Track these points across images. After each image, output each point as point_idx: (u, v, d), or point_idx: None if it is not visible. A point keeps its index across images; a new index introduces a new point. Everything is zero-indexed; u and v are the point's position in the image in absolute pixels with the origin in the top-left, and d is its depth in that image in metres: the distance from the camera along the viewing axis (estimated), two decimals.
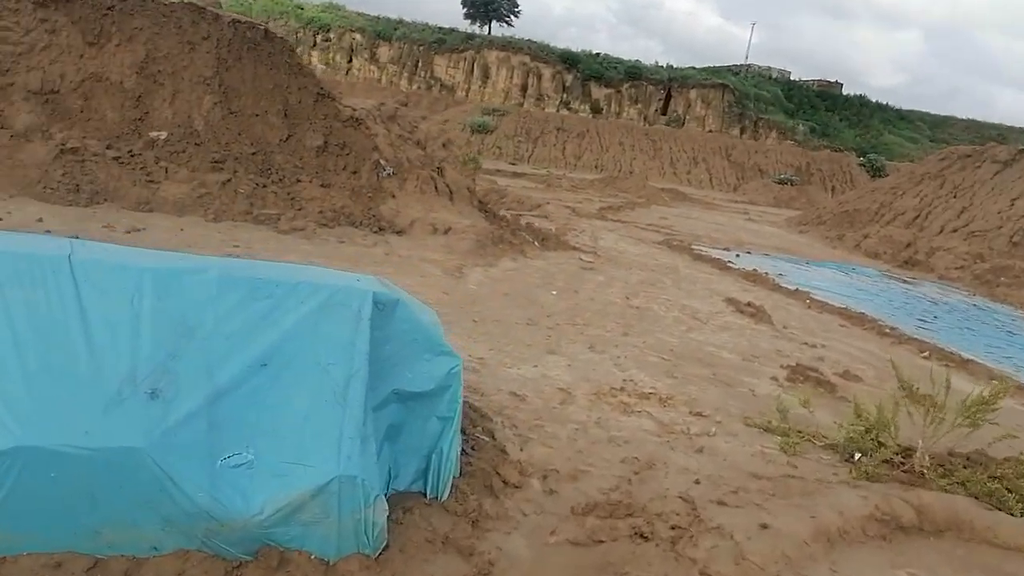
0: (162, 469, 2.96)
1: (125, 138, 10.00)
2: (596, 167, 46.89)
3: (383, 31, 65.47)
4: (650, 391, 6.09)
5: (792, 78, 73.63)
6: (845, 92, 73.76)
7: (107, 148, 9.67)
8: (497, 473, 4.11)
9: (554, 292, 9.37)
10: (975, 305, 15.94)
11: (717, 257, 16.05)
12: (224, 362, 3.33)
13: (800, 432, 5.54)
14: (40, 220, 8.30)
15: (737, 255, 17.56)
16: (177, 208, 9.36)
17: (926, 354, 10.19)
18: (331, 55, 67.48)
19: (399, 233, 10.56)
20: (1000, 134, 68.27)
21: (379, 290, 3.79)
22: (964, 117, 74.65)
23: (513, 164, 43.61)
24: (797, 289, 13.42)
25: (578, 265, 11.77)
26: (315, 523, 3.21)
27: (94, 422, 2.95)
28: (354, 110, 11.52)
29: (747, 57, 76.94)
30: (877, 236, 23.70)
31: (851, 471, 4.89)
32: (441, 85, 65.18)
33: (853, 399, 5.70)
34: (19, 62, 10.05)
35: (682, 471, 4.60)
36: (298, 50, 65.53)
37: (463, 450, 4.28)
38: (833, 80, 75.15)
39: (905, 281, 18.11)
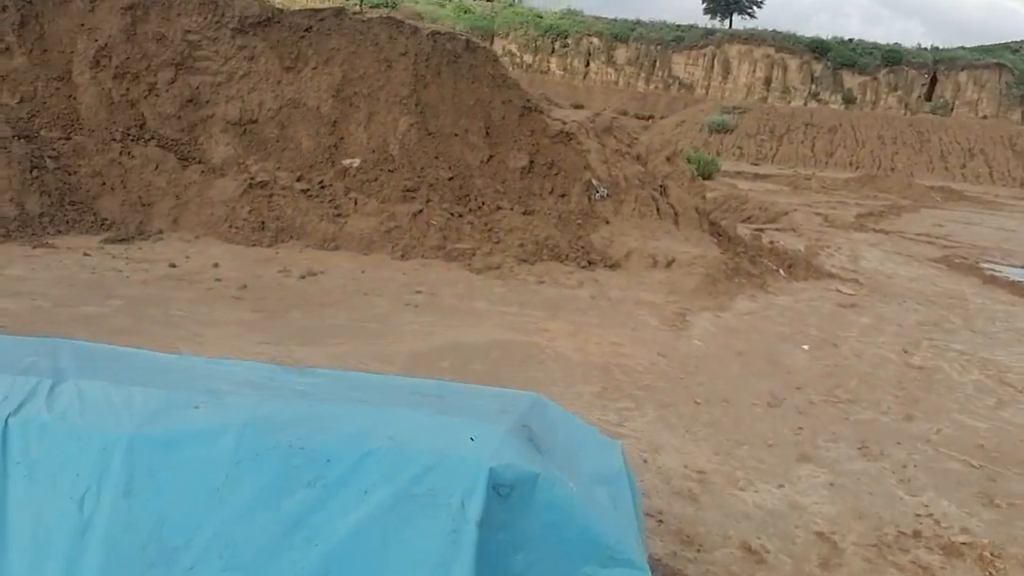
0: None
1: (318, 167, 9.27)
2: (851, 164, 42.36)
3: (620, 33, 65.39)
4: (963, 539, 4.04)
5: None
6: None
7: (297, 180, 8.97)
8: None
9: (805, 347, 7.33)
10: None
11: (1017, 280, 12.89)
12: None
13: None
14: (216, 265, 7.64)
15: None
16: (363, 245, 8.44)
17: None
18: (569, 60, 68.70)
19: (612, 267, 8.97)
20: None
21: (504, 461, 2.21)
22: None
23: (756, 164, 40.46)
24: None
25: (835, 301, 9.52)
26: None
27: None
28: (564, 123, 10.09)
29: None
30: None
31: None
32: (680, 83, 64.00)
33: None
34: (219, 92, 9.66)
35: None
36: (536, 57, 67.20)
37: None
38: None
39: None
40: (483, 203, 9.29)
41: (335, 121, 9.50)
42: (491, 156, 9.72)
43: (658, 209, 9.89)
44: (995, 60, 56.83)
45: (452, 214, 8.97)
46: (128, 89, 9.53)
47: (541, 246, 8.82)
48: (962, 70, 57.00)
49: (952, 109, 55.27)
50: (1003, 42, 64.72)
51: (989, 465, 5.13)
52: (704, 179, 28.19)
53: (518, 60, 71.19)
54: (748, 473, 4.54)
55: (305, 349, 5.78)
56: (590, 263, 8.90)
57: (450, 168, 9.47)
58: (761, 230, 16.04)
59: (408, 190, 8.95)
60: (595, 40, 68.25)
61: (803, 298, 9.49)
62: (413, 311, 6.95)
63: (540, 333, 6.67)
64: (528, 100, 10.23)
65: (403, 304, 7.10)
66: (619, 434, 4.83)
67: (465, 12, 68.43)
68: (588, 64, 68.72)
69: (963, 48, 62.50)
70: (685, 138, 43.51)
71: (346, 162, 9.23)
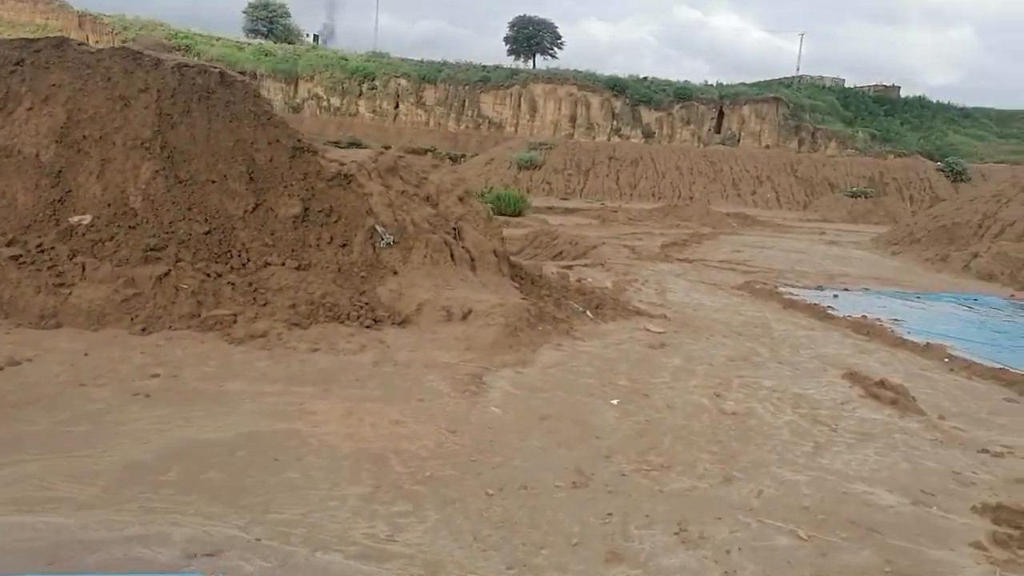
0: None
1: (37, 228, 7.62)
2: (653, 195, 43.94)
3: (428, 74, 65.80)
4: None
5: (847, 85, 71.15)
6: (903, 95, 70.99)
7: (7, 245, 7.30)
8: None
9: (614, 402, 6.58)
10: None
11: (812, 303, 13.06)
12: None
13: None
14: None
15: (835, 295, 14.50)
16: (93, 319, 6.91)
17: None
18: (378, 102, 68.28)
19: (402, 324, 7.92)
20: None
21: None
22: None
23: (565, 199, 41.03)
24: (928, 344, 10.37)
25: (644, 342, 8.96)
26: None
27: None
28: (342, 164, 9.00)
29: (798, 68, 74.69)
30: (989, 254, 20.28)
31: None
32: (489, 122, 65.19)
33: None
34: None
35: None
36: (344, 100, 66.23)
37: None
38: (890, 84, 72.24)
39: None
40: (248, 259, 7.99)
41: (59, 171, 7.88)
42: (257, 204, 8.45)
43: (452, 254, 8.98)
44: (772, 95, 61.74)
45: (208, 274, 7.61)
46: None
47: (317, 305, 7.64)
48: (745, 104, 61.47)
49: (739, 140, 59.32)
50: (777, 78, 70.79)
51: (817, 534, 4.48)
52: (515, 216, 28.02)
53: (325, 103, 69.80)
54: None
55: None
56: (376, 321, 7.81)
57: (206, 220, 8.11)
58: (570, 267, 15.61)
59: (152, 249, 7.50)
60: (403, 81, 68.33)
61: (612, 341, 8.85)
62: (143, 403, 5.56)
63: (305, 417, 5.49)
64: (299, 139, 9.06)
65: (131, 395, 5.68)
66: (389, 553, 3.76)
67: (266, 55, 66.14)
68: (398, 106, 68.70)
69: (744, 84, 67.60)
70: (495, 175, 43.58)
71: (74, 219, 7.66)
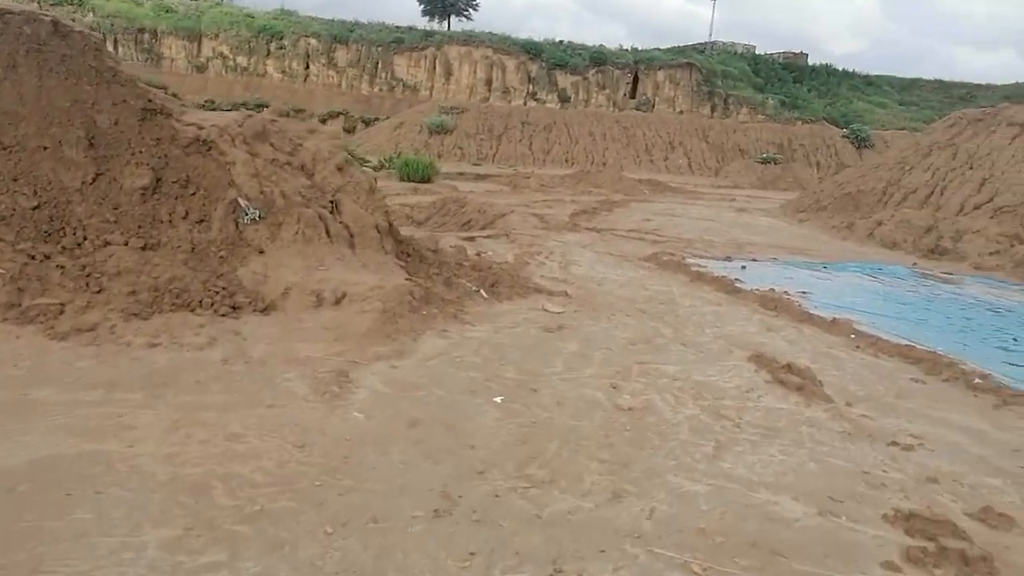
0: None
1: None
2: (567, 160, 43.36)
3: (339, 34, 63.53)
4: None
5: (758, 52, 72.19)
6: (811, 62, 72.63)
7: None
8: None
9: (498, 399, 5.87)
10: None
11: (720, 275, 12.64)
12: None
13: None
14: None
15: (742, 266, 14.15)
16: None
17: None
18: (287, 63, 65.84)
19: (264, 311, 7.01)
20: (968, 92, 67.56)
21: None
22: (930, 78, 73.68)
23: (477, 165, 40.08)
24: (834, 319, 10.04)
25: (541, 324, 8.27)
26: None
27: None
28: (200, 128, 7.95)
29: (711, 34, 75.25)
30: (892, 222, 20.39)
31: None
32: (404, 85, 63.60)
33: None
34: None
35: None
36: (251, 60, 63.66)
37: None
38: (798, 51, 73.83)
39: (943, 280, 14.81)
40: (84, 238, 6.92)
41: None
42: (98, 174, 7.35)
43: (328, 231, 8.07)
44: (686, 60, 61.84)
45: (33, 256, 6.53)
46: None
47: (163, 292, 6.65)
48: (660, 69, 61.41)
49: (653, 106, 59.26)
50: (692, 43, 71.12)
51: (714, 564, 3.88)
52: (424, 182, 27.00)
53: (231, 63, 66.90)
54: None
55: None
56: (234, 308, 6.88)
57: (35, 193, 6.99)
58: (471, 239, 14.83)
59: None
60: (313, 41, 66.10)
61: (505, 324, 8.13)
62: None
63: (120, 434, 4.58)
64: (150, 100, 7.95)
65: None
66: None
67: (167, 11, 62.70)
68: (308, 67, 66.51)
69: (659, 50, 67.58)
70: (405, 140, 42.28)
71: None
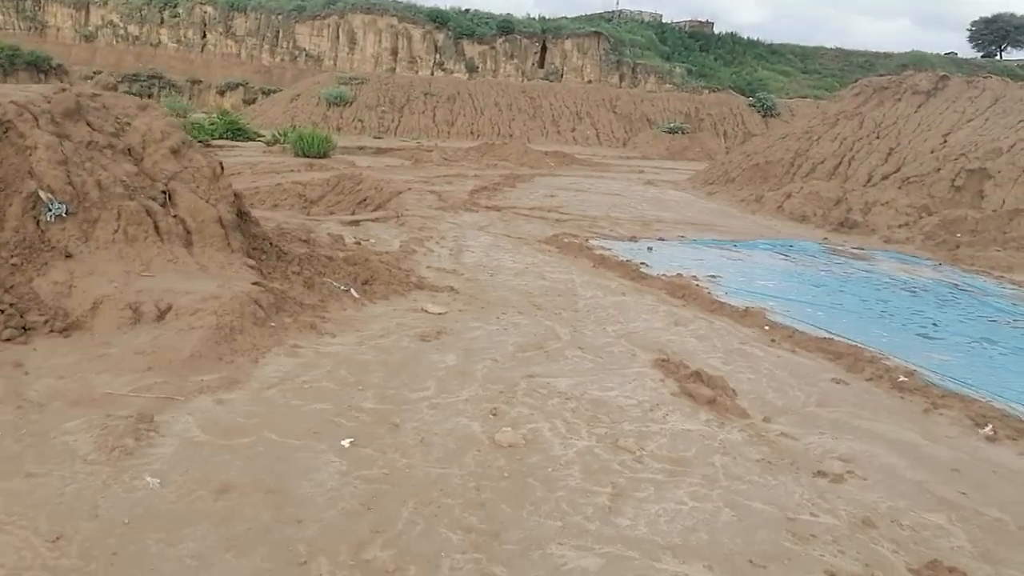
0: None
1: None
2: (472, 133, 42.06)
3: (237, 2, 60.40)
4: None
5: (664, 21, 72.39)
6: (716, 31, 73.53)
7: None
8: None
9: (346, 443, 4.71)
10: (956, 285, 12.19)
11: (625, 259, 11.73)
12: None
13: None
14: None
15: (649, 248, 13.29)
16: None
17: (989, 429, 6.17)
18: (182, 32, 62.73)
19: (65, 332, 5.65)
20: (868, 60, 69.33)
21: None
22: (831, 47, 75.67)
23: (378, 138, 38.43)
24: (747, 308, 9.24)
25: (417, 331, 7.11)
26: None
27: None
28: None
29: (618, 3, 74.88)
30: (801, 194, 19.97)
31: None
32: (307, 55, 61.33)
33: None
34: None
35: None
36: (144, 29, 59.81)
37: None
38: (704, 20, 74.49)
39: (855, 256, 14.32)
40: None
41: None
42: None
43: (157, 227, 6.69)
44: (594, 29, 61.14)
45: None
46: None
47: None
48: (567, 38, 60.57)
49: (562, 75, 58.41)
50: (599, 12, 70.55)
51: None
52: (320, 158, 25.31)
53: (122, 32, 63.26)
54: None
55: None
56: (25, 330, 5.50)
57: None
58: (357, 222, 13.54)
59: None
60: (209, 9, 63.09)
61: (373, 332, 6.95)
62: None
63: None
64: None
65: None
66: None
67: None
68: (205, 35, 63.49)
69: (567, 18, 66.72)
70: (302, 113, 40.24)
71: None
